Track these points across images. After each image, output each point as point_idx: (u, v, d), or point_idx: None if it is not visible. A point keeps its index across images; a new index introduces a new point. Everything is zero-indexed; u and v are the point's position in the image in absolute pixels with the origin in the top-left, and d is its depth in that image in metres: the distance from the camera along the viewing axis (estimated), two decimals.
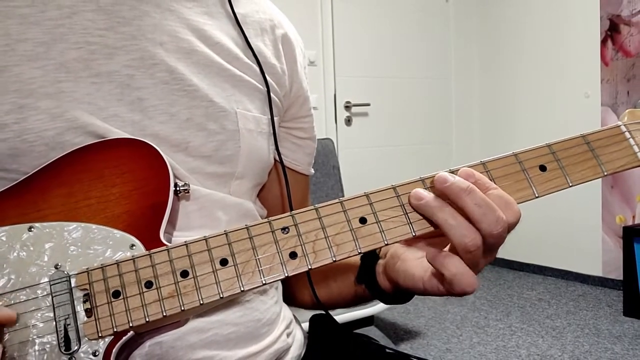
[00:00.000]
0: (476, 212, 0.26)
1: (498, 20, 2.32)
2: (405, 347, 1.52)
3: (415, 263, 0.30)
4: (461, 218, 0.26)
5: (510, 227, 0.27)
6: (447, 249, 0.28)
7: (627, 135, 0.29)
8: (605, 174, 0.29)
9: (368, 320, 1.28)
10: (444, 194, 0.27)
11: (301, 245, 0.27)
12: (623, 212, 1.90)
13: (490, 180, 0.28)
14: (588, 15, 1.96)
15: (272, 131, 0.38)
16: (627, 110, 0.30)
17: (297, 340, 0.41)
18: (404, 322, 1.73)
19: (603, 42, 1.93)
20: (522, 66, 2.22)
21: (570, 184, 0.28)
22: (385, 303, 0.35)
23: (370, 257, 0.36)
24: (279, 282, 0.41)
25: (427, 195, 0.27)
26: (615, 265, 1.90)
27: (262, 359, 0.35)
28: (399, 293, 0.34)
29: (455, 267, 0.26)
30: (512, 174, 0.28)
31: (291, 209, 0.37)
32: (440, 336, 1.60)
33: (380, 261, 0.35)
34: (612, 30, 1.90)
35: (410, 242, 0.32)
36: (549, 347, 1.48)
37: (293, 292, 0.44)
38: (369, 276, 0.35)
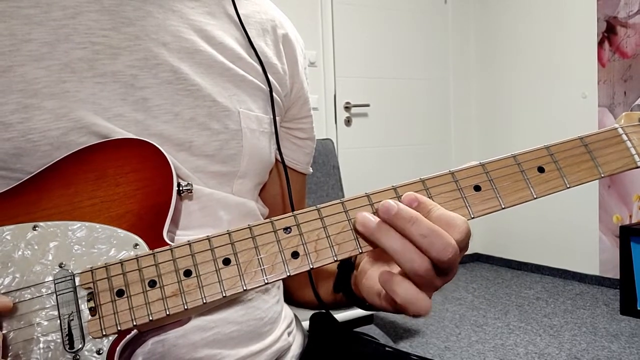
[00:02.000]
0: (423, 243, 0.25)
1: (496, 21, 2.33)
2: (404, 346, 1.53)
3: (375, 281, 0.30)
4: (408, 243, 0.26)
5: (460, 244, 0.26)
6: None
7: (624, 137, 0.30)
8: (602, 175, 0.29)
9: (368, 319, 1.28)
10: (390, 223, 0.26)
11: (303, 244, 0.27)
12: (620, 212, 1.92)
13: (489, 180, 0.28)
14: (585, 17, 1.96)
15: (273, 131, 0.38)
16: (624, 113, 0.31)
17: (298, 339, 0.42)
18: (404, 320, 1.74)
19: (600, 43, 1.94)
20: (520, 67, 2.23)
21: (568, 186, 0.29)
22: (364, 310, 0.35)
23: (347, 268, 0.36)
24: (281, 282, 0.42)
25: (372, 221, 0.26)
26: (612, 264, 1.91)
27: (263, 358, 0.36)
28: None
29: (405, 293, 0.26)
30: (511, 175, 0.29)
31: (291, 206, 0.38)
32: (439, 335, 1.61)
33: (355, 272, 0.35)
34: (609, 32, 1.91)
35: (376, 258, 0.32)
36: (547, 345, 1.49)
37: (292, 291, 0.45)
38: (345, 286, 0.36)
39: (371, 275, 0.31)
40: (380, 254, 0.31)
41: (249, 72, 0.37)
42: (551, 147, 0.29)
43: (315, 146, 0.46)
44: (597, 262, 2.00)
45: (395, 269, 0.28)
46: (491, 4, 2.34)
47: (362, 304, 0.35)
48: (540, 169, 0.29)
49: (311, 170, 0.46)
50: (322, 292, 0.39)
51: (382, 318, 1.73)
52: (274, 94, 0.38)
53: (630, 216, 1.88)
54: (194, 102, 0.34)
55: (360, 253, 0.28)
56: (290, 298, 0.45)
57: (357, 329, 0.47)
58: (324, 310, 0.41)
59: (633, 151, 0.30)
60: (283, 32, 0.41)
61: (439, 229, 0.26)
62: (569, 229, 2.08)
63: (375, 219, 0.26)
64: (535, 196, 0.29)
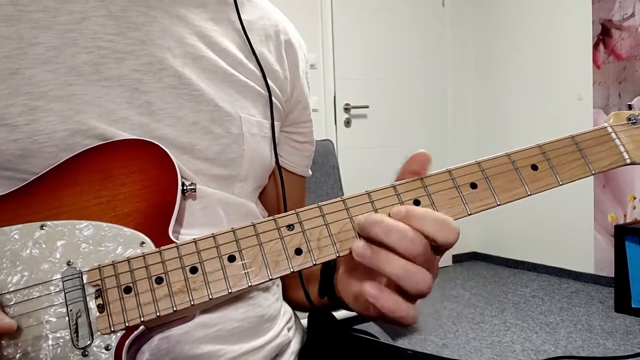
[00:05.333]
0: (389, 241, 0.25)
1: (493, 24, 2.35)
2: (402, 343, 1.54)
3: (358, 293, 0.29)
4: (410, 265, 0.25)
5: (449, 246, 0.26)
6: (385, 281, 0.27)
7: (613, 136, 0.31)
8: (593, 172, 0.30)
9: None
10: (371, 238, 0.26)
11: (306, 242, 0.28)
12: (615, 211, 1.94)
13: (485, 178, 0.29)
14: (580, 20, 1.99)
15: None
16: (612, 113, 0.32)
17: (298, 335, 0.42)
18: None
19: (595, 46, 1.96)
20: (517, 69, 2.25)
21: (561, 183, 0.30)
22: (350, 311, 0.34)
23: (328, 272, 0.36)
24: (280, 280, 0.42)
25: (367, 250, 0.26)
26: (607, 262, 1.93)
27: (265, 353, 0.36)
28: None
29: (399, 310, 0.26)
30: (506, 173, 0.29)
31: (285, 210, 0.38)
32: (437, 332, 1.62)
33: (336, 274, 0.34)
34: (604, 35, 1.94)
35: (353, 267, 0.30)
36: (543, 342, 1.51)
37: (285, 291, 0.45)
38: (329, 291, 0.35)
39: (352, 288, 0.30)
40: (356, 264, 0.29)
41: (250, 78, 0.38)
42: (544, 145, 0.30)
43: (314, 149, 0.46)
44: (592, 261, 2.02)
45: (375, 277, 0.27)
46: (488, 6, 2.36)
47: (347, 307, 0.34)
48: (534, 167, 0.30)
49: (310, 173, 0.47)
50: (312, 296, 0.39)
51: None
52: (274, 99, 0.39)
53: (625, 215, 1.90)
54: (197, 107, 0.34)
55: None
56: (286, 299, 0.45)
57: (356, 326, 0.48)
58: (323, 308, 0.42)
59: (622, 149, 0.30)
60: (286, 38, 0.42)
61: (399, 224, 0.26)
62: (564, 228, 2.09)
63: (368, 247, 0.26)
64: (529, 193, 0.29)
